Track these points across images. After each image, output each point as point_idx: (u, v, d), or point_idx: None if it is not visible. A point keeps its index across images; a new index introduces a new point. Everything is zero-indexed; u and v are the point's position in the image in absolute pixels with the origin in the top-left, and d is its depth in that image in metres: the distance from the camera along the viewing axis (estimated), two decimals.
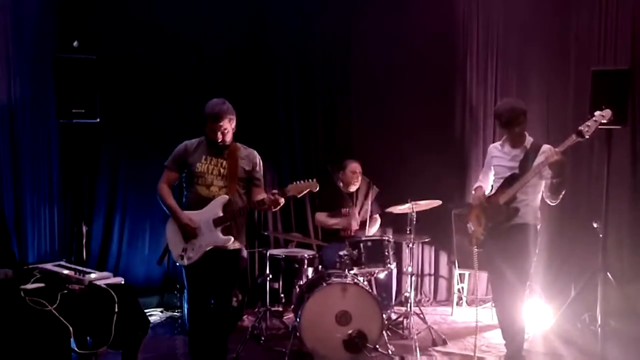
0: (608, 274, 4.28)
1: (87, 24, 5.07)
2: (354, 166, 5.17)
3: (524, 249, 3.73)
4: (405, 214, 4.71)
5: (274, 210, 3.64)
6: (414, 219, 4.59)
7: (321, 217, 5.22)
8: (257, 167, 3.62)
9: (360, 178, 5.18)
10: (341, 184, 5.22)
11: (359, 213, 5.20)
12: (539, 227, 3.81)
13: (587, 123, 3.43)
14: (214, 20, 5.52)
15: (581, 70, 5.15)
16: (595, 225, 4.50)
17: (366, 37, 5.77)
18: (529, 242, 3.75)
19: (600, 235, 4.39)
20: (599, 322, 4.23)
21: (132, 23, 5.27)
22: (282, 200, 3.40)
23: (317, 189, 3.49)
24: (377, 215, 5.25)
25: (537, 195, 3.79)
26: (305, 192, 3.47)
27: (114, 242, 5.30)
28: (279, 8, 5.70)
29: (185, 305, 4.78)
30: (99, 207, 5.24)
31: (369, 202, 5.23)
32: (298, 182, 3.46)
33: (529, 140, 3.81)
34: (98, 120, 4.33)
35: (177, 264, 3.52)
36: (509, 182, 3.74)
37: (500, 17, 5.73)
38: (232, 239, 3.46)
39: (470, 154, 5.80)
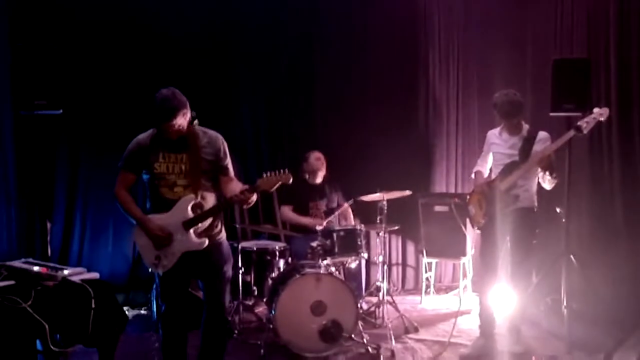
0: (571, 257, 4.44)
1: (49, 11, 4.90)
2: (317, 154, 5.19)
3: (527, 232, 3.97)
4: (373, 204, 4.75)
5: (245, 208, 3.26)
6: (385, 208, 4.63)
7: (287, 212, 5.20)
8: (222, 154, 3.19)
9: (324, 166, 5.19)
10: (307, 176, 5.22)
11: (326, 205, 5.22)
12: (536, 210, 4.05)
13: (585, 119, 3.62)
14: (183, 17, 5.42)
15: (539, 60, 5.33)
16: (558, 210, 4.66)
17: (329, 32, 5.78)
18: (530, 225, 4.00)
19: (563, 220, 4.53)
20: (564, 304, 4.37)
21: (100, 12, 5.13)
22: (253, 198, 3.06)
23: (291, 180, 3.15)
24: (346, 204, 5.27)
25: (534, 180, 4.02)
26: (277, 185, 3.11)
27: (75, 239, 5.15)
28: (244, 4, 5.63)
29: (154, 303, 4.69)
30: (58, 203, 5.08)
31: (334, 194, 5.26)
32: (268, 174, 3.09)
33: (525, 127, 4.02)
34: (61, 111, 4.17)
35: (150, 270, 3.23)
36: (509, 169, 3.95)
37: (460, 11, 5.86)
38: (207, 241, 3.13)
39: (435, 146, 5.93)
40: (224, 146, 3.22)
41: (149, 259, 3.15)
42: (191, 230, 3.10)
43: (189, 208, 3.08)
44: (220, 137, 3.24)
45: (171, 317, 3.24)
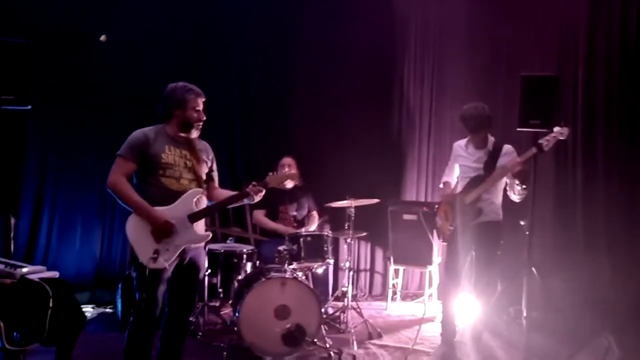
0: (533, 269, 4.53)
1: (19, 6, 4.85)
2: (285, 160, 5.20)
3: (491, 244, 4.05)
4: (343, 211, 4.80)
5: (253, 202, 3.33)
6: (353, 215, 4.67)
7: (259, 216, 5.21)
8: (213, 162, 3.43)
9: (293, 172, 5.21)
10: None
11: (296, 210, 5.25)
12: (501, 222, 4.13)
13: (546, 137, 3.71)
14: (158, 20, 5.42)
15: (511, 75, 5.42)
16: (521, 223, 4.75)
17: (306, 40, 5.84)
18: (494, 238, 4.07)
19: (527, 233, 4.62)
20: (524, 314, 4.46)
21: (71, 10, 5.09)
22: (262, 193, 3.26)
23: (298, 179, 3.36)
24: (315, 212, 5.32)
25: (499, 193, 4.09)
26: (285, 181, 3.30)
27: (42, 235, 5.10)
28: (222, 10, 5.65)
29: (119, 302, 4.67)
30: (26, 199, 5.03)
31: (305, 200, 5.30)
32: (277, 172, 3.34)
33: (490, 141, 4.07)
34: (29, 107, 4.13)
35: (148, 267, 3.03)
36: (474, 182, 3.99)
37: (436, 24, 5.96)
38: (210, 233, 3.26)
39: (407, 154, 5.99)
40: (213, 155, 3.44)
41: (146, 253, 3.03)
42: (196, 224, 3.14)
43: (195, 201, 3.14)
44: (209, 147, 3.45)
45: (147, 316, 3.17)
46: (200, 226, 3.27)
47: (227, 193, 3.39)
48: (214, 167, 3.42)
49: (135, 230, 3.09)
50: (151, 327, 3.22)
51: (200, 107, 3.26)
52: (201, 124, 3.29)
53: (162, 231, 3.04)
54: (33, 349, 3.22)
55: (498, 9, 5.69)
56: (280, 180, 3.28)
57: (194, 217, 3.12)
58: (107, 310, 5.08)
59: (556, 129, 3.75)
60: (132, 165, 3.17)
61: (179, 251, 3.11)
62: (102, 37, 4.04)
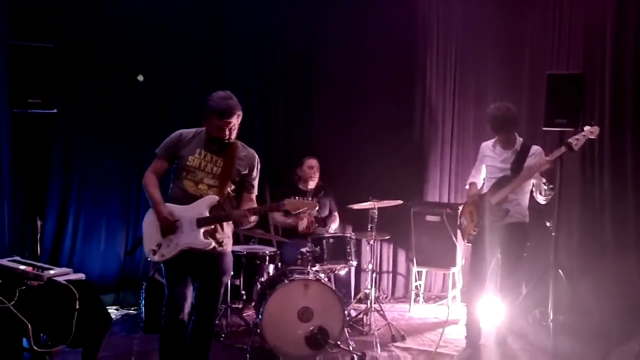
0: (560, 271, 4.46)
1: (44, 10, 4.89)
2: (311, 162, 5.20)
3: (517, 246, 4.00)
4: (365, 212, 4.77)
5: (251, 222, 3.32)
6: (375, 217, 4.64)
7: (277, 215, 5.21)
8: (254, 172, 3.35)
9: (317, 174, 5.21)
10: (299, 181, 5.24)
11: (317, 211, 5.21)
12: (527, 223, 4.07)
13: (576, 137, 3.66)
14: (174, 18, 5.43)
15: (535, 74, 5.35)
16: (548, 224, 4.67)
17: (327, 39, 5.81)
18: (520, 240, 4.01)
19: (553, 234, 4.54)
20: (550, 317, 4.38)
21: (93, 14, 5.12)
22: (277, 214, 3.28)
23: (317, 208, 3.39)
24: (336, 214, 5.30)
25: (526, 194, 4.03)
26: (301, 210, 3.27)
27: (68, 237, 5.14)
28: (240, 7, 5.66)
29: (143, 303, 4.71)
30: (52, 201, 5.07)
31: (327, 201, 5.28)
32: (297, 198, 3.26)
33: (518, 141, 4.02)
34: (55, 110, 4.18)
35: (148, 259, 3.26)
36: (501, 183, 3.94)
37: (459, 22, 5.88)
38: (213, 243, 3.20)
39: (429, 155, 5.93)
40: (258, 165, 3.39)
41: (150, 245, 3.20)
42: (202, 229, 3.16)
43: (208, 207, 3.16)
44: (257, 156, 3.41)
45: (167, 316, 3.26)
46: (222, 233, 3.29)
47: (246, 207, 3.32)
48: (252, 179, 3.35)
49: (148, 223, 3.25)
50: (174, 327, 3.26)
51: (224, 126, 3.16)
52: (226, 140, 3.22)
53: (164, 225, 3.14)
54: (59, 351, 3.28)
55: (522, 7, 5.61)
56: (297, 207, 3.23)
57: (201, 222, 3.16)
58: (131, 311, 5.12)
59: (586, 127, 3.69)
60: (164, 163, 3.30)
61: (178, 250, 3.16)
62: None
